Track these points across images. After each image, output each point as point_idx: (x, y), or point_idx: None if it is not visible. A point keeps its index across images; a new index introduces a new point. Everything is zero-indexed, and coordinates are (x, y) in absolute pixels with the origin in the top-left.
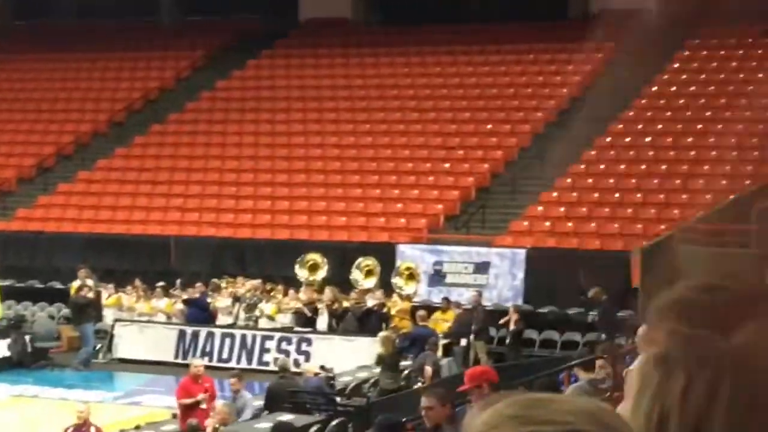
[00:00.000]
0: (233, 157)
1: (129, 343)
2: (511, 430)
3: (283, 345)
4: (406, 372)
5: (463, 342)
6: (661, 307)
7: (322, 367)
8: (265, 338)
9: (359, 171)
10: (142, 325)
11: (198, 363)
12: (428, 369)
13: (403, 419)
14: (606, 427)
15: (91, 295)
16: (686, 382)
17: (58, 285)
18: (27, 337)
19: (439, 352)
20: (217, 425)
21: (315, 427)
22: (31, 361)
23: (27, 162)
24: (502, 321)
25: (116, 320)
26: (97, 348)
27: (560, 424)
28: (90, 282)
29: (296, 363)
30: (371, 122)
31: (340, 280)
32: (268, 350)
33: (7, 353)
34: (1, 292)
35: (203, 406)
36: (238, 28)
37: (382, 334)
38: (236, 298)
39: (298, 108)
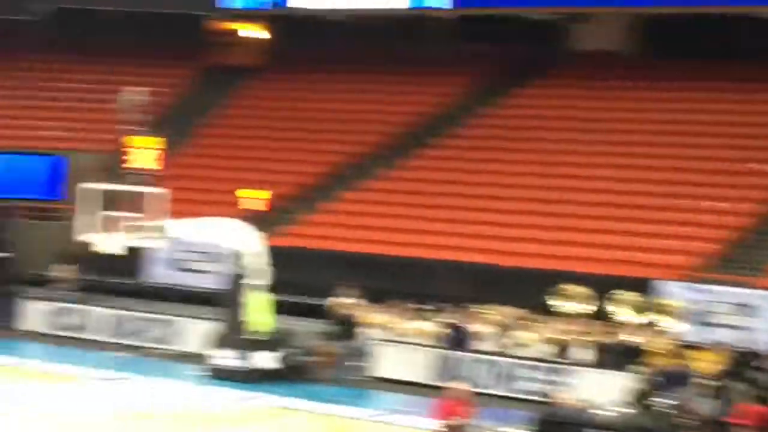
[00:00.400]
0: (500, 185)
1: (388, 362)
2: None
3: (543, 375)
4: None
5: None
6: None
7: (582, 400)
8: (524, 367)
9: (627, 205)
10: (403, 345)
11: (462, 386)
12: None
13: None
14: None
15: (354, 312)
16: None
17: (319, 301)
18: (294, 351)
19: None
20: None
21: None
22: (295, 375)
23: (299, 180)
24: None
25: (377, 339)
26: (356, 365)
27: None
28: (352, 300)
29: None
30: (640, 156)
31: (597, 313)
32: (526, 379)
33: (276, 365)
34: (275, 304)
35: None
36: (509, 57)
37: (638, 369)
38: (497, 326)
39: (571, 139)
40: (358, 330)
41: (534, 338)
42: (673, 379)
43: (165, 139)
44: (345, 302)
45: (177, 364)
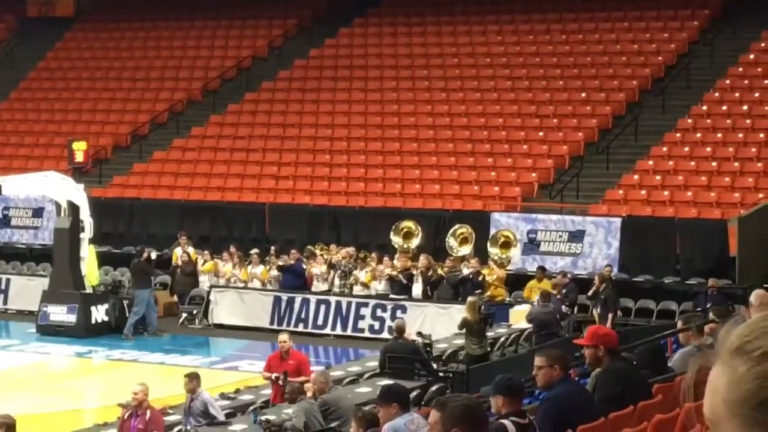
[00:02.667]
0: (327, 125)
1: (225, 309)
2: None
3: (378, 312)
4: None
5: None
6: None
7: (419, 334)
8: (360, 305)
9: (453, 139)
10: (238, 291)
11: (284, 338)
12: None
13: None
14: None
15: (190, 260)
16: None
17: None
18: (124, 303)
19: None
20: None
21: (414, 393)
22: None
23: (122, 130)
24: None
25: (212, 287)
26: (194, 313)
27: None
28: (190, 249)
29: (390, 330)
30: (465, 90)
31: (434, 247)
32: (363, 317)
33: (105, 318)
34: (99, 258)
35: (280, 383)
36: None
37: (468, 299)
38: (331, 266)
39: (390, 76)
40: (195, 278)
41: (371, 276)
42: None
43: None
44: (182, 251)
45: (11, 323)
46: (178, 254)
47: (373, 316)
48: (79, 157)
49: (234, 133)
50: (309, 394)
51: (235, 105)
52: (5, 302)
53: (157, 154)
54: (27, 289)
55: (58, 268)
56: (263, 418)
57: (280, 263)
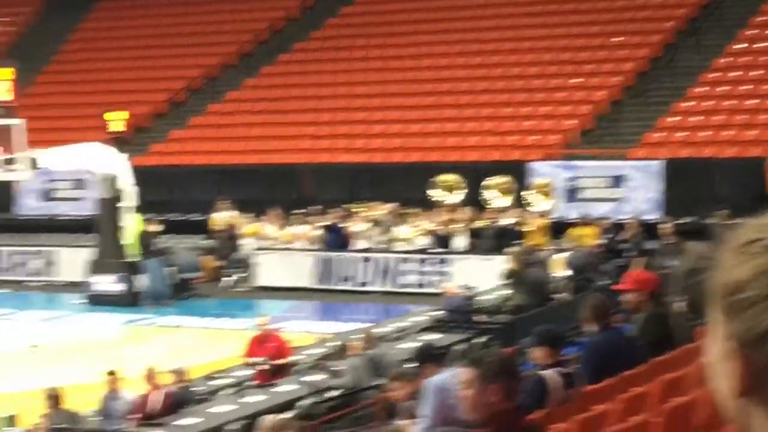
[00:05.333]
0: (362, 83)
1: (268, 271)
2: None
3: (421, 267)
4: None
5: None
6: None
7: (463, 286)
8: (402, 261)
9: (489, 90)
10: (281, 252)
11: (261, 321)
12: None
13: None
14: None
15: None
16: None
17: (195, 217)
18: (168, 270)
19: None
20: None
21: (459, 347)
22: (175, 292)
23: (159, 97)
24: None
25: (255, 249)
26: (238, 277)
27: None
28: (231, 213)
29: (435, 284)
30: (499, 41)
31: (473, 200)
32: (406, 273)
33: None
34: (144, 226)
35: (266, 367)
36: None
37: (511, 249)
38: (372, 223)
39: (424, 30)
40: (238, 242)
41: (412, 232)
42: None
43: (15, 69)
44: (222, 215)
45: (58, 295)
46: (219, 219)
47: (416, 272)
48: (119, 127)
49: (269, 95)
50: (355, 351)
51: (268, 67)
52: (53, 274)
53: (194, 120)
54: (73, 261)
55: (104, 239)
56: (307, 379)
57: (322, 223)
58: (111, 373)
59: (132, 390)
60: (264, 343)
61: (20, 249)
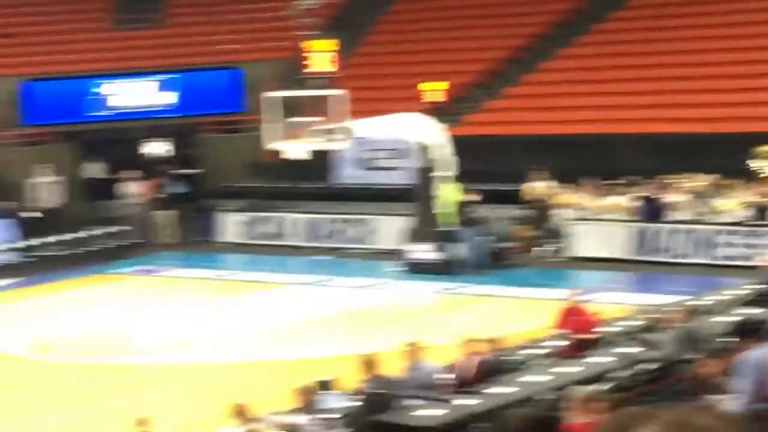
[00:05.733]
0: (681, 51)
1: (584, 241)
2: None
3: (739, 239)
4: None
5: None
6: None
7: None
8: (720, 233)
9: None
10: (596, 223)
11: (572, 293)
12: None
13: None
14: None
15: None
16: None
17: (507, 187)
18: (488, 238)
19: None
20: None
21: None
22: (492, 261)
23: (477, 67)
24: None
25: (570, 219)
26: (552, 247)
27: None
28: (548, 183)
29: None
30: None
31: None
32: (723, 245)
33: (467, 255)
34: (462, 196)
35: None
36: None
37: None
38: (692, 194)
39: None
40: (552, 212)
41: (730, 203)
42: None
43: (338, 40)
44: (537, 185)
45: (374, 262)
46: (533, 189)
47: (732, 244)
48: (438, 97)
49: (585, 65)
50: (672, 324)
51: (585, 36)
52: (371, 242)
53: (507, 91)
54: (390, 229)
55: (423, 208)
56: (619, 350)
57: (638, 194)
58: (411, 344)
59: (438, 359)
60: (571, 316)
61: (340, 217)
